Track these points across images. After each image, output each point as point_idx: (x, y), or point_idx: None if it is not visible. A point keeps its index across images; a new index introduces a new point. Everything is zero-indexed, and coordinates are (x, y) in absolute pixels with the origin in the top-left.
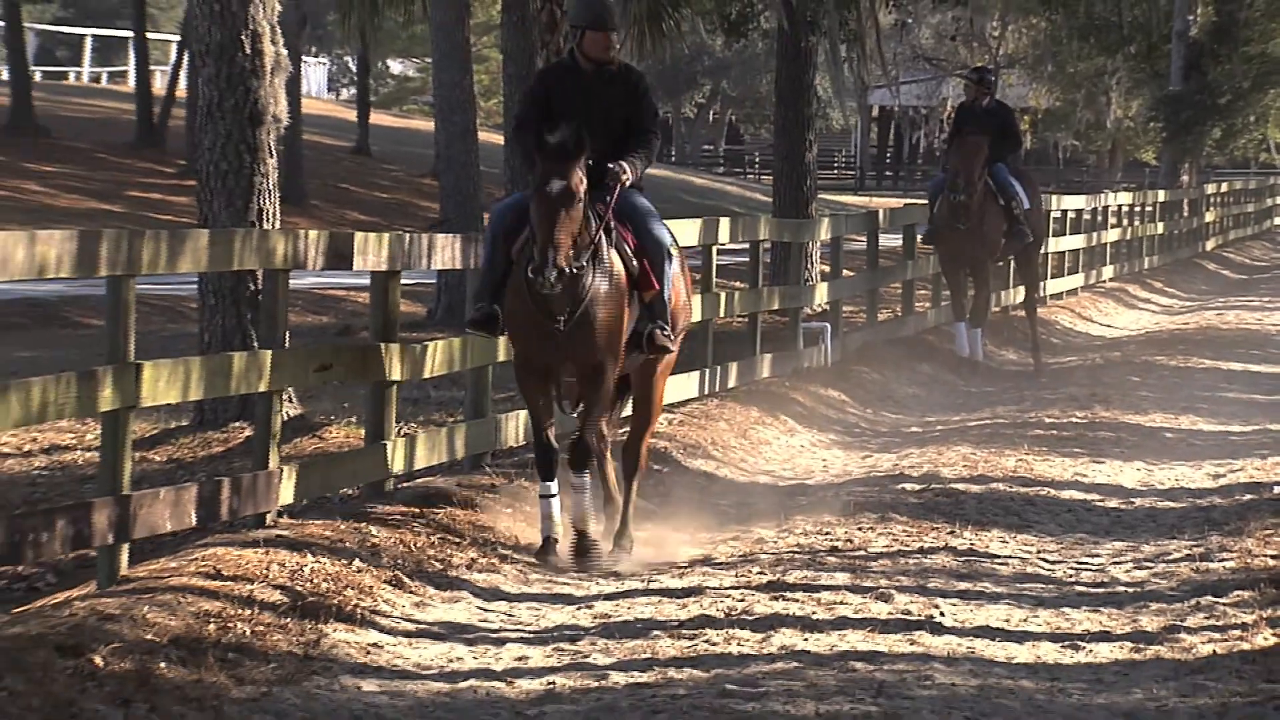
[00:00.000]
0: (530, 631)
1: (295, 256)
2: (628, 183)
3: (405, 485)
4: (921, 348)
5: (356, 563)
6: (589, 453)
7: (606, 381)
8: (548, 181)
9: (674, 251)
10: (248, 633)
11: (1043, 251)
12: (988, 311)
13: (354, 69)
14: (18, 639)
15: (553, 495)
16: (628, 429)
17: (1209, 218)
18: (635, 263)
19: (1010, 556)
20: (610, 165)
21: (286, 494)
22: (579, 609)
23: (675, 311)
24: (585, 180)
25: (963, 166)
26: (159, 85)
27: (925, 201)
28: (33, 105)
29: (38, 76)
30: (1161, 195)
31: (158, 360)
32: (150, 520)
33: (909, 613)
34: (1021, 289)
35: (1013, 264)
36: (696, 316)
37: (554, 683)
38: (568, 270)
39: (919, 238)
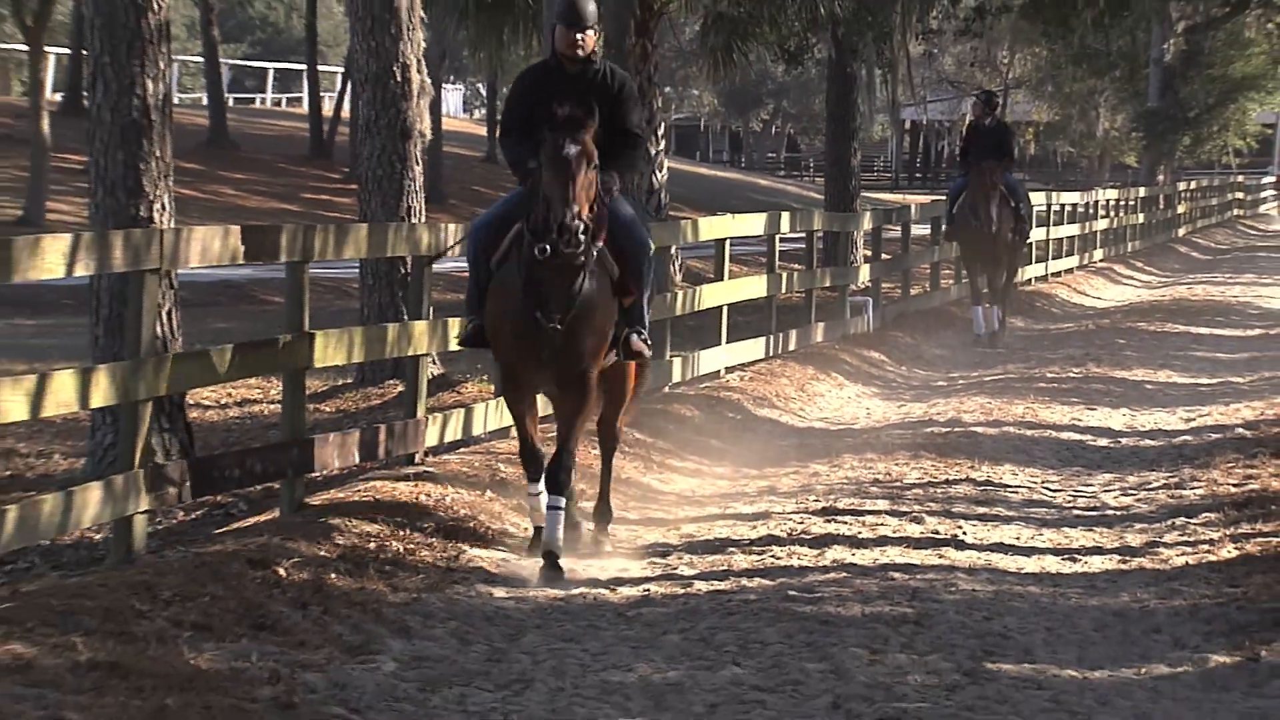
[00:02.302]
0: (629, 548)
1: (437, 245)
2: (615, 192)
3: None
4: (946, 317)
5: (488, 493)
6: (569, 470)
7: (589, 389)
8: (562, 146)
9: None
10: (401, 550)
11: (1046, 238)
12: (1004, 290)
13: (484, 93)
14: (218, 555)
15: (540, 492)
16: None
17: (1181, 210)
18: (616, 268)
19: (1019, 486)
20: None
21: (431, 437)
22: (668, 530)
23: None
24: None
25: (983, 195)
26: (327, 108)
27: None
28: (226, 125)
29: (230, 102)
30: (1142, 191)
31: (327, 330)
32: (322, 459)
33: (937, 532)
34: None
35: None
36: (762, 293)
37: (649, 590)
38: (587, 231)
39: (943, 231)
